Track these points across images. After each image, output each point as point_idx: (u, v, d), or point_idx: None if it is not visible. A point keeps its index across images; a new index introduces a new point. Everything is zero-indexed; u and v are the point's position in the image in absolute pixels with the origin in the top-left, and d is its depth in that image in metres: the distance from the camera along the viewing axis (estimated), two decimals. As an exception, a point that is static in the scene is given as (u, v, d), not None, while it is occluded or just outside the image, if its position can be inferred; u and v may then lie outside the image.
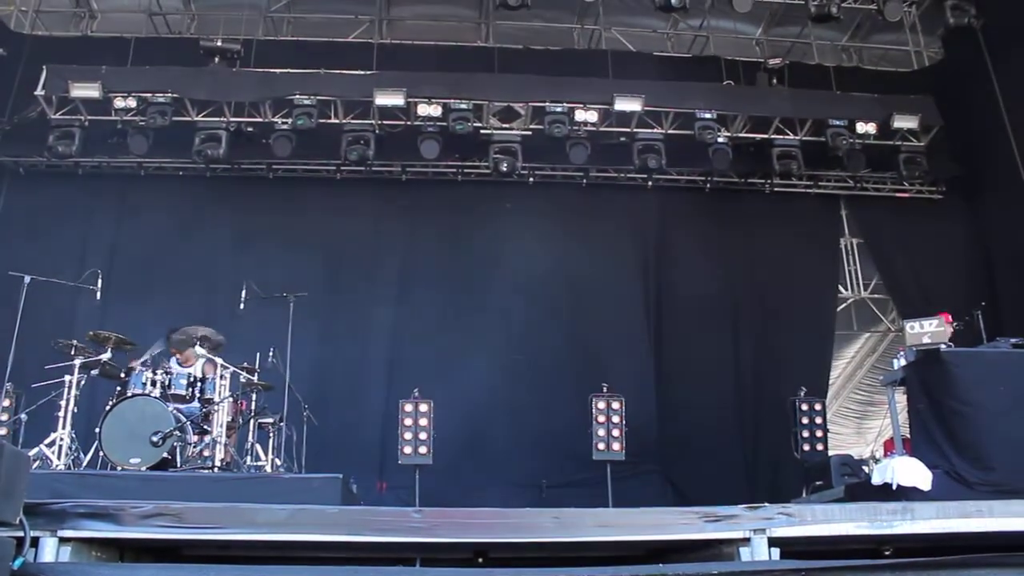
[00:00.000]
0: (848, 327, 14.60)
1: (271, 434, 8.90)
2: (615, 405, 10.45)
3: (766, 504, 4.46)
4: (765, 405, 11.98)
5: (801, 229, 13.30)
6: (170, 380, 8.07)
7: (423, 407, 10.08)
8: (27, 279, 8.35)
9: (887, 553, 4.62)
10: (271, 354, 8.70)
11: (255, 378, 8.89)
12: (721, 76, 12.91)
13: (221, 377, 8.37)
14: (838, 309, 13.41)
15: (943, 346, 7.30)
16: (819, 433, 10.74)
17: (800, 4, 12.20)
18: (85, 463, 7.67)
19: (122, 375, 8.13)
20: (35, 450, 7.52)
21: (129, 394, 7.82)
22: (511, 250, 12.31)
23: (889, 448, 10.01)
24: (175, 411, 7.79)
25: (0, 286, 8.95)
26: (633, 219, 13.06)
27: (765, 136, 12.39)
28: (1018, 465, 6.57)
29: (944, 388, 7.12)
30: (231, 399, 8.49)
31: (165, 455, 7.54)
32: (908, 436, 7.98)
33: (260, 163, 12.49)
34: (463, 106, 11.60)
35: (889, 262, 13.27)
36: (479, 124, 11.95)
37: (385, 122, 11.94)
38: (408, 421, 10.04)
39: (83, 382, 8.02)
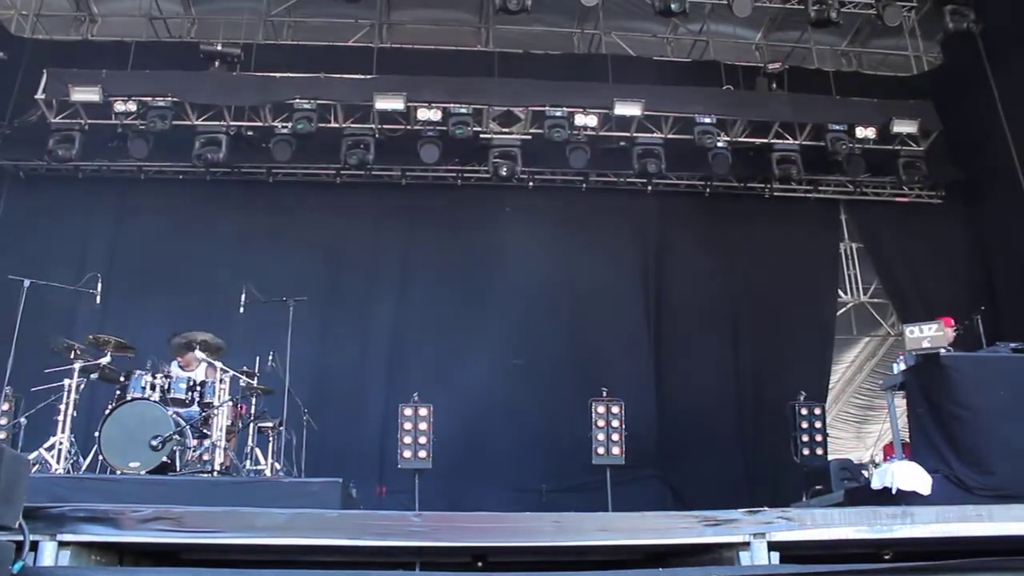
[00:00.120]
0: (848, 331, 14.62)
1: (271, 438, 8.89)
2: (615, 409, 10.46)
3: (766, 508, 4.47)
4: (765, 409, 11.97)
5: (801, 233, 13.31)
6: (170, 384, 8.08)
7: (422, 411, 10.09)
8: (27, 283, 8.35)
9: (887, 557, 4.62)
10: (271, 358, 8.70)
11: (255, 382, 8.89)
12: (721, 81, 12.90)
13: (221, 381, 8.37)
14: (838, 313, 13.41)
15: (943, 350, 7.30)
16: (819, 437, 10.75)
17: (800, 9, 12.25)
18: (84, 467, 7.65)
19: (122, 379, 8.12)
20: (34, 454, 7.51)
21: (129, 398, 7.82)
22: (511, 254, 12.33)
23: (889, 452, 10.01)
24: (174, 415, 7.79)
25: (0, 290, 8.95)
26: (633, 223, 13.07)
27: (765, 141, 12.40)
28: (1018, 470, 6.57)
29: (944, 392, 7.11)
30: (231, 403, 8.49)
31: (164, 459, 7.54)
32: (908, 440, 7.98)
33: (260, 167, 12.49)
34: (463, 110, 11.60)
35: (889, 266, 13.27)
36: (479, 128, 11.95)
37: (385, 126, 11.95)
38: (408, 425, 10.04)
39: (82, 386, 8.02)
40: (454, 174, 12.79)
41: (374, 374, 11.82)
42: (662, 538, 4.39)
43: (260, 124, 11.84)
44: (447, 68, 12.61)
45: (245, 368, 8.81)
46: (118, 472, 7.31)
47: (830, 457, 10.67)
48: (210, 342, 8.50)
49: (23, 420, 8.45)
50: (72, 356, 8.00)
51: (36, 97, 11.20)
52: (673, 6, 11.34)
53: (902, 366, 7.67)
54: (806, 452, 10.63)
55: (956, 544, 4.43)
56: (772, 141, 12.34)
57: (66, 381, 7.86)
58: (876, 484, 7.00)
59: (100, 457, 7.48)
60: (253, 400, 9.03)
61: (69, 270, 10.35)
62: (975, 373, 7.17)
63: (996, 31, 11.76)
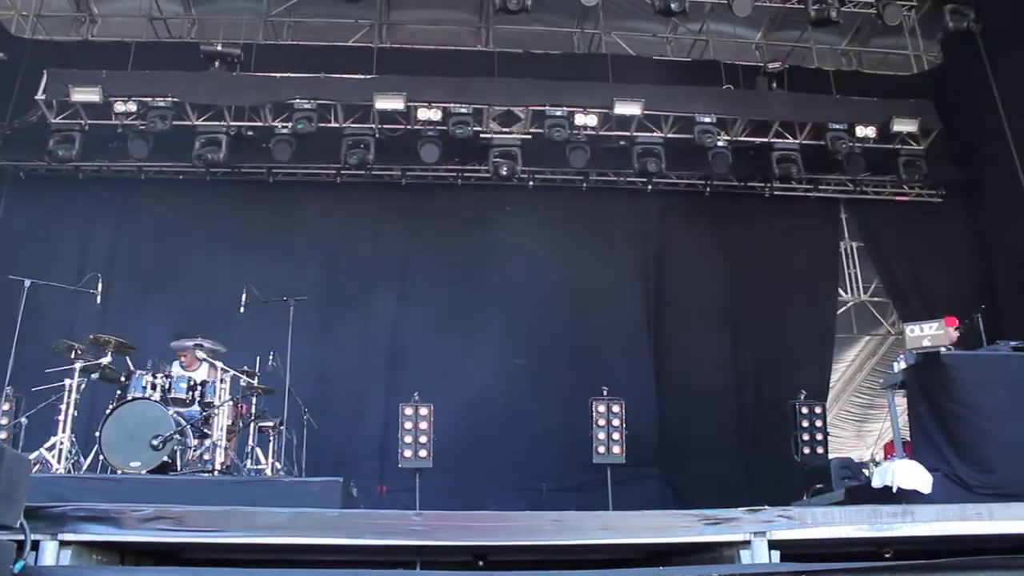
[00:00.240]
0: (848, 330, 14.62)
1: (271, 437, 8.90)
2: (615, 408, 10.47)
3: (766, 507, 4.47)
4: (765, 408, 11.98)
5: (801, 232, 13.31)
6: (170, 384, 8.09)
7: (423, 411, 10.10)
8: (27, 283, 8.37)
9: (887, 556, 4.63)
10: (271, 357, 8.71)
11: (255, 382, 8.89)
12: (721, 80, 12.89)
13: (221, 381, 8.38)
14: (838, 312, 13.42)
15: (943, 349, 7.30)
16: (819, 436, 10.75)
17: (800, 8, 12.24)
18: (85, 467, 7.66)
19: (122, 379, 8.13)
20: (35, 454, 7.52)
21: (129, 398, 7.83)
22: (511, 254, 12.33)
23: (889, 451, 10.01)
24: (175, 415, 7.80)
25: (0, 290, 8.96)
26: (633, 223, 13.07)
27: (765, 140, 12.40)
28: (1018, 468, 6.56)
29: (944, 391, 7.11)
30: (231, 403, 8.50)
31: (165, 459, 7.55)
32: (908, 439, 7.98)
33: (260, 167, 12.49)
34: (463, 110, 11.60)
35: (889, 265, 13.28)
36: (479, 128, 11.95)
37: (385, 126, 11.95)
38: (408, 425, 10.05)
39: (83, 386, 8.02)
40: (454, 174, 12.79)
41: (374, 373, 11.83)
42: (663, 537, 4.39)
43: (260, 124, 11.84)
44: (447, 68, 12.61)
45: (246, 368, 8.82)
46: (119, 472, 7.32)
47: (831, 456, 10.67)
48: (208, 348, 8.50)
49: (24, 420, 8.47)
50: (73, 356, 8.01)
51: (36, 98, 11.20)
52: (673, 5, 11.33)
53: (902, 365, 7.66)
54: (807, 451, 10.64)
55: (956, 542, 4.44)
56: (772, 140, 12.34)
57: (67, 381, 7.86)
58: (876, 483, 7.00)
59: (101, 457, 7.50)
60: (254, 399, 9.04)
61: (69, 270, 10.38)
62: (975, 372, 7.16)
63: (996, 30, 11.76)
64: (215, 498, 5.85)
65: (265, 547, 4.19)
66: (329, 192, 12.78)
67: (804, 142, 12.28)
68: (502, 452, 11.11)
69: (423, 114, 11.63)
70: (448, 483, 10.32)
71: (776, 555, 4.26)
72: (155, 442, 7.42)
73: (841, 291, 13.48)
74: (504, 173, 11.77)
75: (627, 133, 12.08)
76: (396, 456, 10.06)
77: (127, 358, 8.37)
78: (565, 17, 13.65)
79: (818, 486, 9.65)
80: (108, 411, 7.69)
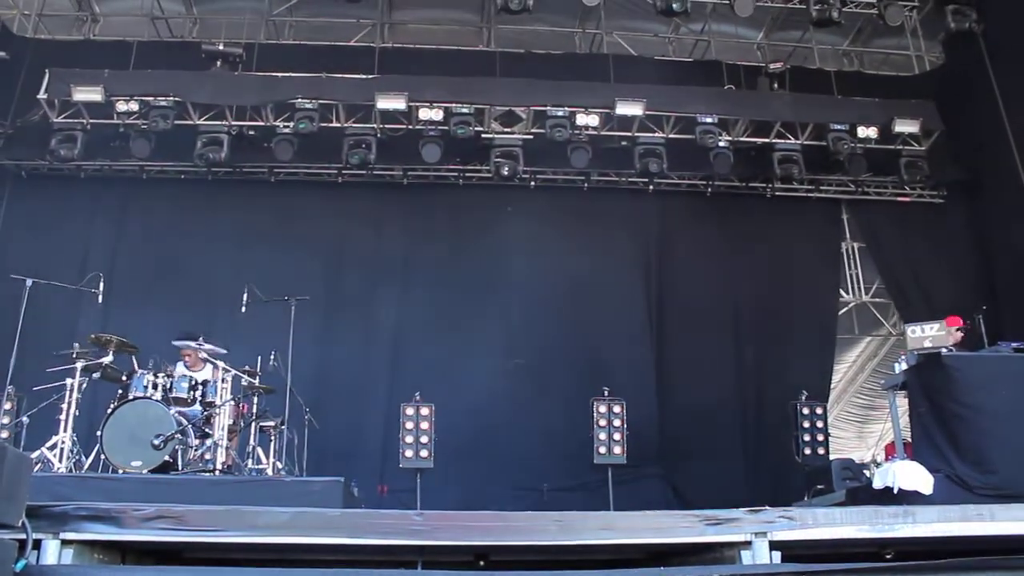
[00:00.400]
0: (849, 331, 14.61)
1: (272, 437, 8.90)
2: (616, 409, 10.48)
3: (767, 507, 4.47)
4: (766, 409, 11.99)
5: (802, 233, 13.31)
6: (171, 383, 8.10)
7: (424, 410, 10.10)
8: (29, 282, 8.38)
9: (888, 557, 4.62)
10: (272, 357, 8.73)
11: (256, 381, 8.90)
12: (722, 80, 12.90)
13: (223, 380, 8.39)
14: (839, 313, 13.41)
15: (944, 350, 7.31)
16: (820, 437, 10.75)
17: (801, 8, 12.25)
18: (86, 466, 7.67)
19: (124, 378, 8.14)
20: (37, 453, 7.52)
21: (131, 397, 7.83)
22: (512, 254, 12.34)
23: (890, 452, 10.00)
24: (176, 414, 7.80)
25: (2, 289, 8.98)
26: (634, 223, 13.07)
27: (766, 140, 12.39)
28: (1020, 469, 6.56)
29: (945, 392, 7.11)
30: (232, 402, 8.50)
31: (166, 458, 7.56)
32: (909, 440, 7.97)
33: (262, 167, 12.50)
34: (464, 110, 11.61)
35: (890, 266, 13.27)
36: (480, 128, 11.96)
37: (386, 126, 11.95)
38: (409, 424, 10.06)
39: (84, 385, 8.03)
40: (456, 174, 12.79)
41: (376, 373, 11.82)
42: (663, 537, 4.39)
43: (262, 124, 11.85)
44: (449, 68, 12.62)
45: (247, 367, 8.83)
46: (120, 471, 7.33)
47: (832, 457, 10.67)
48: (208, 349, 8.51)
49: (25, 419, 8.49)
50: (74, 355, 8.01)
51: (38, 97, 11.22)
52: (675, 6, 11.34)
53: (904, 366, 7.67)
54: (808, 451, 10.63)
55: (958, 543, 4.43)
56: (774, 141, 12.34)
57: (68, 380, 7.88)
58: (878, 484, 6.99)
59: (102, 456, 7.50)
60: (255, 399, 9.05)
61: (71, 269, 10.39)
62: (977, 373, 7.16)
63: (998, 31, 11.76)
64: (216, 497, 5.85)
65: (266, 547, 4.19)
66: (331, 192, 12.79)
67: (805, 143, 12.28)
68: (503, 452, 11.12)
69: (425, 114, 11.64)
70: (449, 483, 10.33)
71: (777, 556, 4.25)
72: (156, 441, 7.42)
73: (842, 292, 13.48)
74: (506, 173, 11.77)
75: (629, 133, 12.08)
76: (397, 456, 10.07)
77: (130, 357, 8.38)
78: (567, 17, 13.66)
79: (819, 487, 9.65)
80: (109, 410, 7.70)
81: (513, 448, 11.16)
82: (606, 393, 10.53)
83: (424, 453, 9.97)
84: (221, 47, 12.03)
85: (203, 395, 8.23)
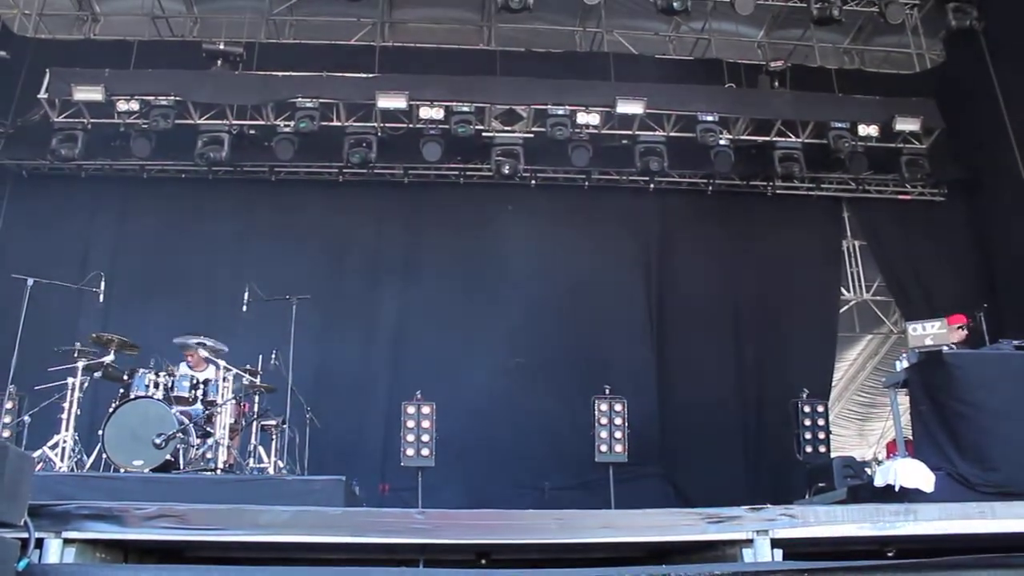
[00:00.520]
0: (850, 329, 14.60)
1: (274, 436, 8.90)
2: (617, 407, 10.47)
3: (768, 505, 4.47)
4: (767, 407, 11.98)
5: (803, 231, 13.30)
6: (173, 382, 8.10)
7: (425, 409, 10.09)
8: (30, 282, 8.38)
9: (890, 554, 4.62)
10: (273, 356, 8.73)
11: (257, 380, 8.90)
12: (723, 79, 12.90)
13: (224, 379, 8.39)
14: (840, 311, 13.40)
15: (946, 348, 7.31)
16: (821, 435, 10.73)
17: (802, 7, 12.25)
18: (88, 465, 7.68)
19: (125, 377, 8.14)
20: (39, 452, 7.53)
21: (132, 396, 7.84)
22: (513, 253, 12.33)
23: (891, 450, 9.99)
24: (178, 413, 7.80)
25: (3, 289, 8.98)
26: (635, 221, 13.06)
27: (767, 138, 12.39)
28: (1021, 467, 6.55)
29: (947, 390, 7.10)
30: (234, 401, 8.50)
31: (168, 457, 7.56)
32: (911, 438, 7.97)
33: (262, 166, 12.50)
34: (465, 109, 11.60)
35: (891, 264, 13.26)
36: (481, 127, 11.96)
37: (387, 125, 11.95)
38: (410, 423, 10.05)
39: (86, 384, 8.04)
40: (456, 172, 12.78)
41: (377, 372, 11.83)
42: (665, 535, 4.39)
43: (262, 123, 11.85)
44: (449, 66, 12.62)
45: (248, 366, 8.83)
46: (122, 470, 7.33)
47: (833, 454, 10.65)
48: (207, 346, 8.51)
49: (27, 418, 8.48)
50: (75, 355, 8.02)
51: (39, 96, 11.22)
52: (675, 4, 11.35)
53: (905, 363, 7.66)
54: (809, 449, 10.62)
55: (959, 541, 4.44)
56: (774, 139, 12.33)
57: (69, 380, 7.89)
58: (879, 481, 6.99)
59: (104, 455, 7.50)
60: (256, 398, 9.06)
61: (72, 269, 10.40)
62: (978, 370, 7.15)
63: (999, 28, 11.76)
64: (218, 496, 5.84)
65: (268, 545, 4.20)
66: (331, 191, 12.79)
67: (806, 141, 12.28)
68: (504, 450, 11.12)
69: (425, 113, 11.64)
70: (450, 482, 10.34)
71: (778, 553, 4.26)
72: (158, 440, 7.43)
73: (843, 290, 13.47)
74: (506, 172, 11.77)
75: (629, 132, 12.07)
76: (398, 455, 10.07)
77: (131, 356, 8.39)
78: (567, 15, 13.65)
79: (820, 485, 9.64)
80: (111, 409, 7.71)
81: (514, 447, 11.17)
82: (607, 391, 10.52)
83: (425, 452, 9.97)
84: (222, 46, 12.03)
85: (204, 394, 8.23)
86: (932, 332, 7.49)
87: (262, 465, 8.70)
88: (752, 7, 11.79)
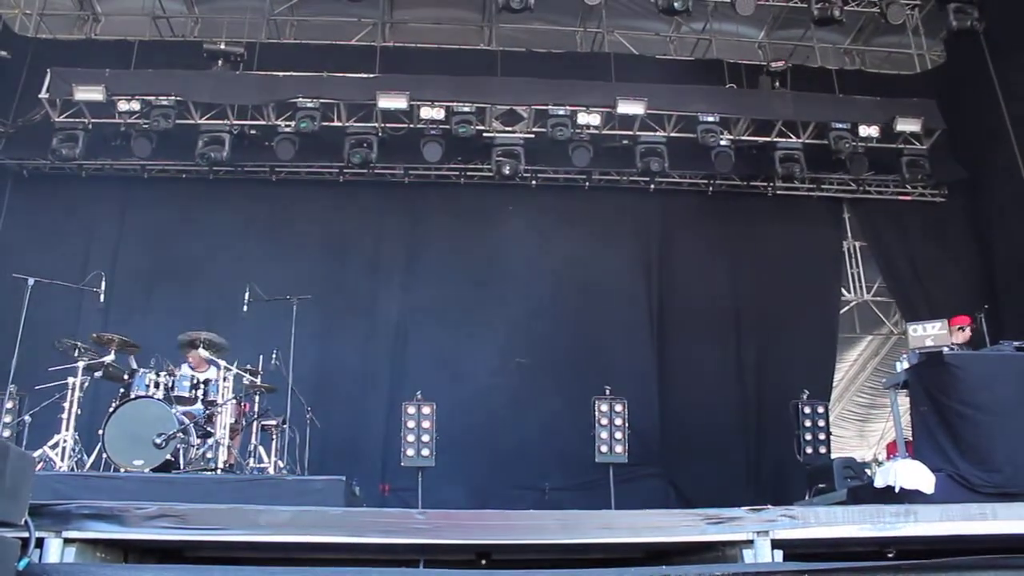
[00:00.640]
0: (851, 330, 14.60)
1: (274, 436, 8.90)
2: (618, 408, 10.46)
3: (769, 506, 4.47)
4: (768, 408, 11.98)
5: (804, 232, 13.30)
6: (173, 382, 8.10)
7: (425, 409, 10.09)
8: (31, 281, 8.37)
9: (890, 555, 4.62)
10: (274, 356, 8.73)
11: (258, 380, 8.90)
12: (724, 79, 12.91)
13: (224, 379, 8.39)
14: (841, 312, 13.40)
15: (946, 349, 7.31)
16: (822, 436, 10.72)
17: (803, 7, 12.23)
18: (88, 465, 7.67)
19: (125, 377, 8.14)
20: (39, 452, 7.53)
21: (132, 396, 7.84)
22: (514, 253, 12.33)
23: (892, 451, 9.98)
24: (178, 413, 7.80)
25: (3, 289, 8.98)
26: (636, 222, 13.07)
27: (768, 139, 12.39)
28: (1022, 468, 6.56)
29: (947, 391, 7.10)
30: (234, 401, 8.50)
31: (168, 457, 7.56)
32: (911, 439, 7.97)
33: (263, 166, 12.51)
34: (466, 109, 11.60)
35: (892, 265, 13.25)
36: (482, 127, 11.95)
37: (388, 125, 11.95)
38: (410, 423, 10.04)
39: (86, 384, 8.04)
40: (457, 173, 12.78)
41: (377, 372, 11.84)
42: (665, 536, 4.39)
43: (263, 123, 11.85)
44: (450, 67, 12.62)
45: (249, 366, 8.83)
46: (122, 470, 7.32)
47: (833, 455, 10.64)
48: (214, 341, 8.51)
49: (27, 418, 8.49)
50: (76, 354, 8.02)
51: (40, 96, 11.22)
52: (676, 4, 11.33)
53: (905, 364, 7.66)
54: (809, 450, 10.61)
55: (960, 542, 4.44)
56: (775, 139, 12.33)
57: (70, 379, 7.88)
58: (879, 482, 6.99)
59: (104, 455, 7.50)
60: (256, 398, 9.06)
61: (73, 269, 10.39)
62: (979, 371, 7.15)
63: (999, 29, 11.74)
64: (218, 496, 5.86)
65: (268, 545, 4.20)
66: (332, 191, 12.79)
67: (807, 141, 12.27)
68: (505, 451, 11.12)
69: (426, 113, 11.63)
70: (451, 482, 10.33)
71: (779, 554, 4.25)
72: (158, 440, 7.42)
73: (844, 290, 13.48)
74: (507, 172, 11.77)
75: (630, 132, 12.07)
76: (399, 455, 10.06)
77: (131, 356, 8.39)
78: (568, 16, 13.65)
79: (821, 486, 9.63)
80: (111, 409, 7.70)
81: (514, 447, 11.16)
82: (607, 392, 10.51)
83: (425, 452, 9.96)
84: (222, 46, 12.03)
85: (205, 394, 8.23)
86: (933, 333, 7.49)
87: (262, 465, 8.69)
88: (753, 8, 11.78)
